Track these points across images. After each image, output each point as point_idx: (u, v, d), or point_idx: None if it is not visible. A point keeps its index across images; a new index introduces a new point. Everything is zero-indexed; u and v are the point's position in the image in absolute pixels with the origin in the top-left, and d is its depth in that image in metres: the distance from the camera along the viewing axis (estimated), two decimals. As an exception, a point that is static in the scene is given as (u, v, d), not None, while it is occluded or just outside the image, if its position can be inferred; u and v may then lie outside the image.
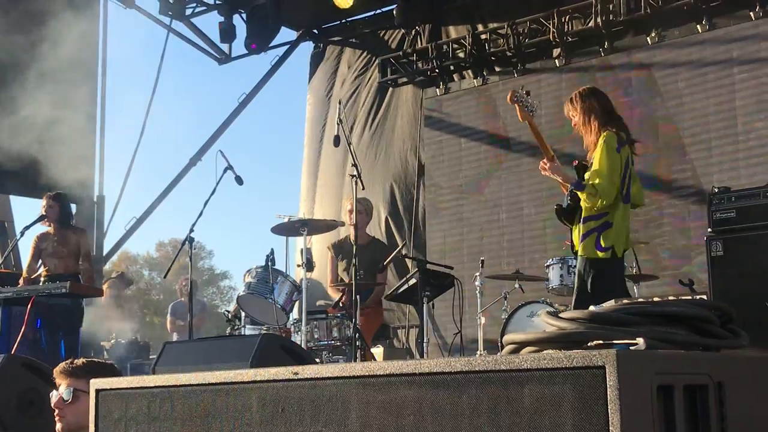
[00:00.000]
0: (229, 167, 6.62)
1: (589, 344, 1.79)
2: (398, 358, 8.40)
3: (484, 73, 9.97)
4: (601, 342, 1.78)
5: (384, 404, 1.83)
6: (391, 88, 10.92)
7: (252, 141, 59.51)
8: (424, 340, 6.37)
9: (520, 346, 1.91)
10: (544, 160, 5.07)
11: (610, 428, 1.50)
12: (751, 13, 8.21)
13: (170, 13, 11.77)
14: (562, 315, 1.92)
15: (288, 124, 65.71)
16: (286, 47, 12.22)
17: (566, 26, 9.22)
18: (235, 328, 6.94)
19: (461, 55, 10.06)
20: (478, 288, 7.17)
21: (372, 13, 11.44)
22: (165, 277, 9.66)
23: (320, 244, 10.13)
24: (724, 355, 1.95)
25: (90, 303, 8.20)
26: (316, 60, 12.09)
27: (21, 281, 7.64)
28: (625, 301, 2.15)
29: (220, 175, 6.61)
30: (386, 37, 11.22)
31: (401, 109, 10.83)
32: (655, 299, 2.27)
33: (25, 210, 11.67)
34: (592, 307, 1.99)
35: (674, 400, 1.61)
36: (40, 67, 9.06)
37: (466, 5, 10.46)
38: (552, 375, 1.58)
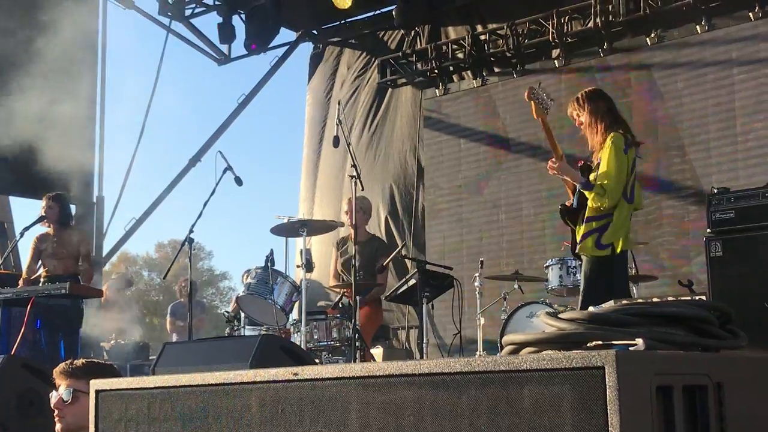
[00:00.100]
0: (229, 168, 6.62)
1: (588, 345, 1.79)
2: (398, 358, 8.40)
3: (484, 73, 9.98)
4: (600, 343, 1.78)
5: (384, 405, 1.83)
6: (390, 89, 10.92)
7: (251, 142, 59.50)
8: (424, 341, 6.37)
9: (520, 346, 1.91)
10: (553, 159, 5.07)
11: (610, 429, 1.50)
12: (750, 14, 8.22)
13: (169, 13, 11.77)
14: (561, 316, 1.93)
15: (287, 125, 65.68)
16: (285, 48, 12.24)
17: (565, 27, 9.22)
18: (235, 328, 6.93)
19: (460, 55, 10.06)
20: (477, 288, 7.17)
21: (371, 13, 11.45)
22: (164, 277, 9.66)
23: (320, 245, 10.14)
24: (724, 355, 1.95)
25: (90, 304, 8.19)
26: (315, 61, 12.10)
27: (20, 282, 7.63)
28: (625, 301, 2.16)
29: (219, 175, 6.61)
30: (385, 38, 11.22)
31: (400, 110, 10.84)
32: (655, 300, 2.27)
33: (25, 211, 11.67)
34: (591, 308, 1.99)
35: (673, 400, 1.61)
36: (38, 65, 9.05)
37: (466, 6, 10.47)
38: (551, 375, 1.59)
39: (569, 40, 9.25)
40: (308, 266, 6.63)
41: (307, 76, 12.23)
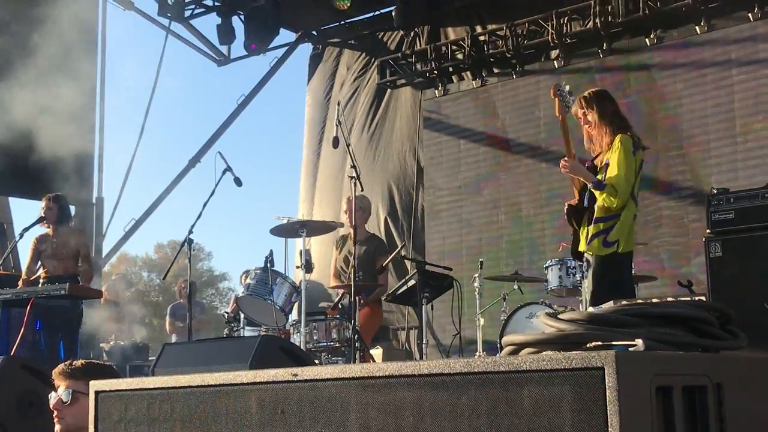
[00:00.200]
0: (228, 168, 6.61)
1: (588, 345, 1.79)
2: (397, 359, 8.40)
3: (483, 74, 9.98)
4: (599, 343, 1.78)
5: (383, 406, 1.83)
6: (389, 90, 10.93)
7: (251, 142, 59.53)
8: (424, 342, 6.37)
9: (519, 347, 1.91)
10: (565, 159, 5.08)
11: (609, 429, 1.50)
12: (750, 15, 8.23)
13: (169, 14, 11.77)
14: (560, 316, 1.93)
15: (287, 126, 65.75)
16: (285, 49, 12.24)
17: (565, 27, 9.23)
18: (234, 329, 6.93)
19: (460, 56, 10.06)
20: (477, 289, 7.17)
21: (371, 14, 11.46)
22: (164, 278, 9.66)
23: (319, 246, 10.14)
24: (723, 356, 1.95)
25: (89, 304, 8.19)
26: (315, 61, 12.10)
27: (20, 283, 7.63)
28: (624, 302, 2.16)
29: (219, 176, 6.60)
30: (385, 39, 11.23)
31: (400, 111, 10.84)
32: (654, 300, 2.27)
33: (24, 212, 11.68)
34: (590, 308, 1.99)
35: (673, 401, 1.61)
36: (36, 58, 9.02)
37: (465, 7, 10.47)
38: (551, 376, 1.59)
39: (569, 40, 9.25)
40: (308, 267, 6.63)
41: (307, 76, 12.24)
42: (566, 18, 9.23)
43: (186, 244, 6.51)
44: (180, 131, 60.09)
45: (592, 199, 5.04)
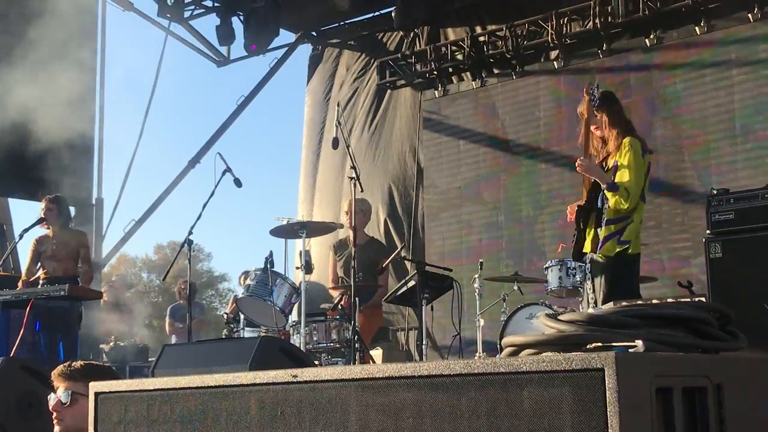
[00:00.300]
0: (228, 169, 6.61)
1: (588, 347, 1.79)
2: (397, 360, 8.41)
3: (483, 75, 9.98)
4: (599, 344, 1.78)
5: (383, 407, 1.83)
6: (389, 90, 10.93)
7: (251, 143, 59.59)
8: (423, 342, 6.37)
9: (519, 348, 1.91)
10: (582, 158, 5.09)
11: (609, 430, 1.50)
12: (749, 15, 8.22)
13: (168, 15, 11.77)
14: (560, 317, 1.93)
15: (286, 126, 65.86)
16: (284, 49, 12.24)
17: (565, 28, 9.23)
18: (234, 330, 6.93)
19: (460, 57, 10.07)
20: (477, 290, 7.16)
21: (370, 15, 11.46)
22: (164, 279, 9.65)
23: (319, 246, 10.14)
24: (723, 357, 1.95)
25: (89, 306, 8.18)
26: (314, 62, 12.11)
27: (20, 284, 7.62)
28: (624, 303, 2.16)
29: (218, 177, 6.60)
30: (385, 40, 11.23)
31: (400, 111, 10.84)
32: (654, 301, 2.27)
33: (24, 213, 11.68)
34: (590, 310, 1.99)
35: (673, 402, 1.61)
36: (37, 59, 9.01)
37: (465, 7, 10.48)
38: (551, 377, 1.58)
39: (568, 41, 9.25)
40: (307, 268, 6.61)
41: (306, 77, 12.24)
42: (566, 18, 9.23)
43: (186, 244, 6.51)
44: (180, 132, 60.18)
45: (605, 201, 5.07)
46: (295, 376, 2.01)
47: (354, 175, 6.13)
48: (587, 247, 5.14)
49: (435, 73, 10.20)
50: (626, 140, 5.07)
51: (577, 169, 5.12)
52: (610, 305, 2.12)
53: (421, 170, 10.35)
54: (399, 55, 10.60)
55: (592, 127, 5.21)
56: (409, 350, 9.48)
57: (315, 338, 6.38)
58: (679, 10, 8.52)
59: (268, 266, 6.41)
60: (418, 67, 10.42)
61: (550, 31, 9.25)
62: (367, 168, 10.34)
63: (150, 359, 9.33)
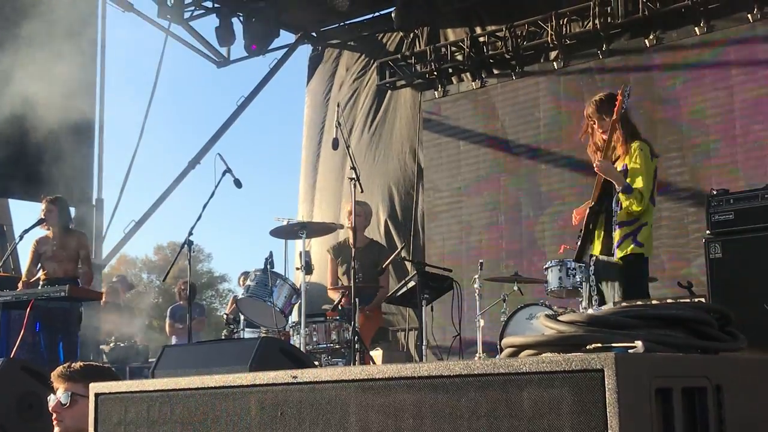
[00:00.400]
0: (228, 170, 6.61)
1: (587, 347, 1.79)
2: (397, 361, 8.41)
3: (483, 75, 9.98)
4: (599, 345, 1.78)
5: (383, 407, 1.83)
6: (389, 91, 10.93)
7: (251, 144, 59.60)
8: (423, 343, 6.37)
9: (519, 349, 1.91)
10: (600, 159, 5.10)
11: (609, 431, 1.50)
12: (749, 15, 8.22)
13: (168, 16, 11.77)
14: (560, 318, 1.93)
15: (286, 127, 65.81)
16: (284, 50, 12.24)
17: (564, 29, 9.23)
18: (234, 331, 6.93)
19: (459, 57, 10.07)
20: (476, 290, 7.16)
21: (370, 15, 11.47)
22: (164, 280, 9.65)
23: (319, 247, 10.13)
24: (723, 357, 1.95)
25: (89, 306, 8.18)
26: (314, 62, 12.10)
27: (20, 285, 7.63)
28: (624, 303, 2.16)
29: (218, 178, 6.60)
30: (384, 40, 11.23)
31: (400, 112, 10.84)
32: (654, 302, 2.27)
33: (24, 213, 11.69)
34: (590, 311, 1.99)
35: (673, 402, 1.61)
36: (36, 57, 9.00)
37: (465, 8, 10.47)
38: (551, 378, 1.59)
39: (568, 41, 9.25)
40: (307, 268, 6.61)
41: (306, 78, 12.24)
42: (566, 19, 9.23)
43: (186, 245, 6.51)
44: (180, 132, 60.17)
45: (618, 203, 5.08)
46: (295, 377, 2.01)
47: (354, 176, 6.13)
48: (596, 249, 5.15)
49: (435, 73, 10.21)
50: (636, 144, 5.10)
51: (595, 168, 5.13)
52: (609, 306, 2.12)
53: (421, 171, 10.35)
54: (399, 56, 10.60)
55: (600, 131, 5.21)
56: (409, 351, 9.48)
57: (315, 339, 6.38)
58: (679, 10, 8.52)
59: (268, 267, 6.41)
60: (418, 67, 10.42)
61: (549, 31, 9.25)
62: (367, 168, 10.34)
63: (150, 360, 9.33)
